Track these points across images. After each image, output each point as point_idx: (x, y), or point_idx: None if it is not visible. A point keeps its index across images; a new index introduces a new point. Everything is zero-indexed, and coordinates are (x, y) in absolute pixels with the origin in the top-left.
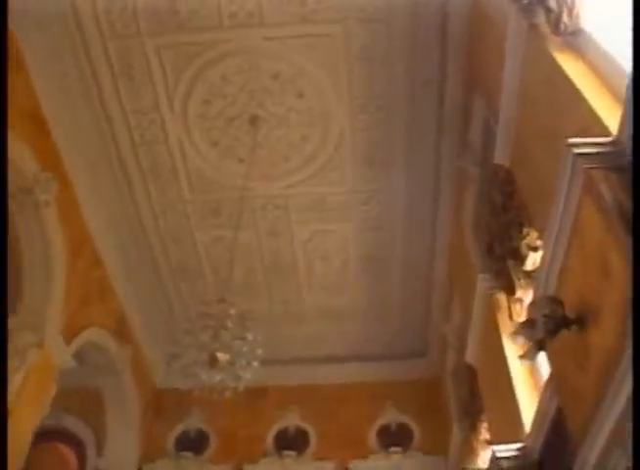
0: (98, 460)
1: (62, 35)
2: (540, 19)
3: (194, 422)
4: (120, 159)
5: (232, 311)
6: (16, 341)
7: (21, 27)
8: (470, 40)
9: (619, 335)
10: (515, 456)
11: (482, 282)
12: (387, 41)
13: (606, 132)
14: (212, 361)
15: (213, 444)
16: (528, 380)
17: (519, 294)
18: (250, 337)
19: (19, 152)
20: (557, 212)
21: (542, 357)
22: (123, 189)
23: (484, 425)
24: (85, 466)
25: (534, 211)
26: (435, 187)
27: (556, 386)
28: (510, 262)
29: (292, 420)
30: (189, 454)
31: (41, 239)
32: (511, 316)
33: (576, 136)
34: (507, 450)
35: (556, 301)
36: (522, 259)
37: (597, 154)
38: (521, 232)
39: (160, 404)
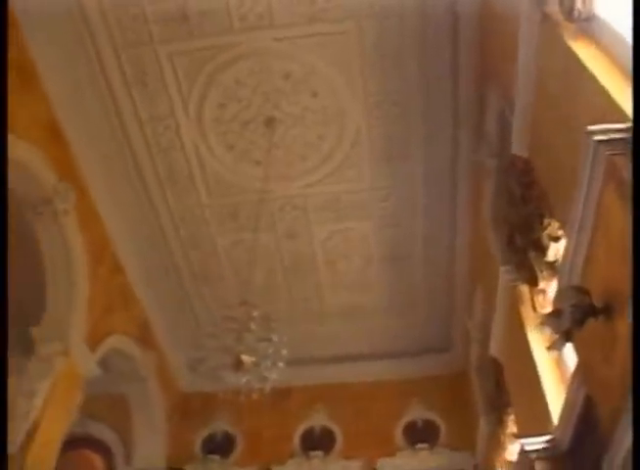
0: (126, 467)
1: (74, 46)
2: (553, 6)
3: (220, 425)
4: (137, 165)
5: (255, 314)
6: (41, 350)
7: (34, 39)
8: (481, 34)
9: None
10: (544, 448)
11: (504, 274)
12: (398, 38)
13: (624, 118)
14: (238, 364)
15: (240, 446)
16: (554, 371)
17: (541, 285)
18: (275, 338)
19: (36, 163)
20: (579, 201)
21: (568, 348)
22: (141, 195)
23: (511, 418)
24: None
25: (555, 201)
26: (453, 181)
27: (583, 376)
28: (531, 254)
29: (317, 420)
30: (216, 457)
31: (62, 247)
32: (534, 308)
33: (594, 123)
34: (536, 443)
35: (582, 290)
36: (543, 250)
37: (618, 140)
38: (541, 223)
39: (186, 408)
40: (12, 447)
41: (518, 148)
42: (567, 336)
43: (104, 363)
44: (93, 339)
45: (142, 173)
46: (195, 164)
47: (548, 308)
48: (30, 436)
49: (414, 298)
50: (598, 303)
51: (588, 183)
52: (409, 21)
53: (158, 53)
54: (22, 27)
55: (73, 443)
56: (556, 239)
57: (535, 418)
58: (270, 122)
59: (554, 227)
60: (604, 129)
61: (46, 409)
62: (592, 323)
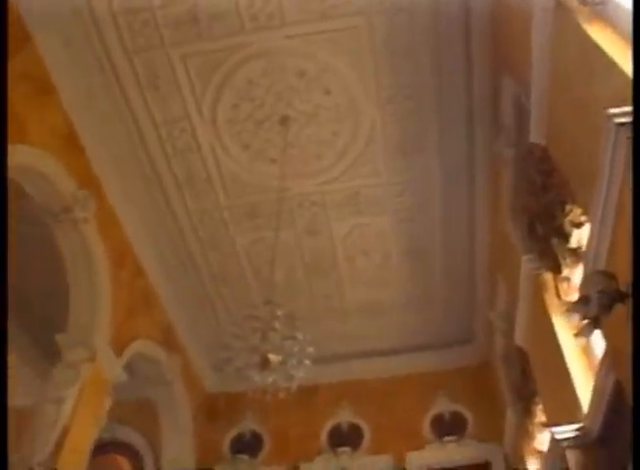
0: None
1: (86, 53)
2: None
3: (247, 424)
4: (154, 169)
5: (279, 313)
6: (67, 357)
7: (48, 49)
8: (493, 25)
9: None
10: (575, 437)
11: (527, 263)
12: (409, 33)
13: None
14: (264, 363)
15: (267, 445)
16: (582, 358)
17: (565, 272)
18: (300, 336)
19: (55, 172)
20: (601, 186)
21: (594, 335)
22: (159, 199)
23: (539, 407)
24: None
25: (576, 187)
26: (469, 172)
27: (612, 362)
28: (554, 241)
29: (344, 416)
30: (244, 457)
31: (83, 254)
32: (559, 295)
33: (613, 106)
34: (566, 431)
35: (609, 275)
36: (566, 237)
37: None
38: (563, 210)
39: (212, 409)
40: (40, 455)
41: (536, 136)
42: (595, 322)
43: (129, 368)
44: (118, 344)
45: (159, 177)
46: (211, 164)
47: (573, 296)
48: (60, 443)
49: (435, 291)
50: (624, 287)
51: (610, 167)
52: (420, 14)
53: (170, 56)
54: (36, 39)
55: (102, 447)
56: (579, 225)
57: (564, 406)
58: (284, 121)
59: (576, 213)
60: (625, 112)
61: (75, 416)
62: (620, 308)
